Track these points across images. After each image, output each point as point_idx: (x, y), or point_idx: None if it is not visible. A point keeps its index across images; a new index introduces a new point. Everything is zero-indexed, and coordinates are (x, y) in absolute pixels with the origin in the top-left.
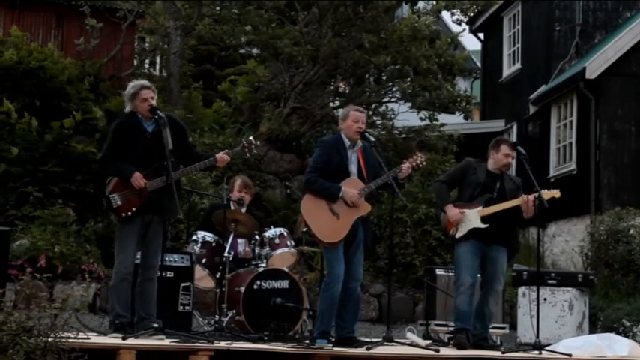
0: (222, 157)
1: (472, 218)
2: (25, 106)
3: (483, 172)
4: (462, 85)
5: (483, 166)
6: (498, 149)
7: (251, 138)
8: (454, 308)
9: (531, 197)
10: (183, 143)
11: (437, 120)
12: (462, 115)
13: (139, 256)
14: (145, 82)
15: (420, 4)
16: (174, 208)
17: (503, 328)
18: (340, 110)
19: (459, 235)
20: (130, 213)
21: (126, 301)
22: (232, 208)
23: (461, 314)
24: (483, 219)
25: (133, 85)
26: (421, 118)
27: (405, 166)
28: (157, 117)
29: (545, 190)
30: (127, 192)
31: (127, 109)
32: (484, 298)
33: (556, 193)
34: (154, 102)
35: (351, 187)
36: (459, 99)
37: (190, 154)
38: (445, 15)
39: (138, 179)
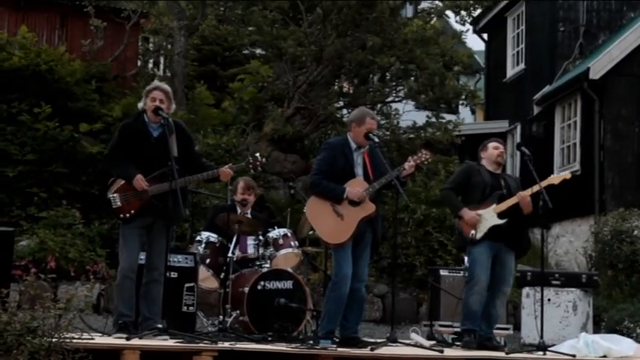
0: (225, 170)
1: (488, 217)
2: (31, 107)
3: (486, 172)
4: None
5: (483, 168)
6: (486, 147)
7: (257, 154)
8: (464, 307)
9: (529, 192)
10: (189, 152)
11: (443, 119)
12: (467, 107)
13: (143, 257)
14: (165, 86)
15: (424, 4)
16: (177, 212)
17: (507, 328)
18: (352, 112)
19: (479, 236)
20: (128, 215)
21: (129, 300)
22: (238, 210)
23: (471, 314)
24: (500, 215)
25: (152, 83)
26: (428, 116)
27: (409, 165)
28: (162, 120)
29: (554, 175)
30: (129, 194)
31: (140, 104)
32: (491, 300)
33: (566, 175)
34: (161, 105)
35: (355, 188)
36: (463, 94)
37: (195, 164)
38: (448, 13)
39: (140, 182)
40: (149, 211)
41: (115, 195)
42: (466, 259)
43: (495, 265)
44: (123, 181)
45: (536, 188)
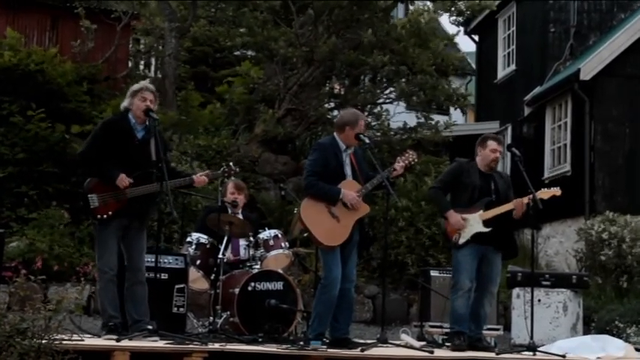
0: (199, 178)
1: (474, 223)
2: (22, 109)
3: (476, 173)
4: (457, 85)
5: (475, 167)
6: (485, 145)
7: (231, 164)
8: (451, 311)
9: (526, 199)
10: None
11: (432, 120)
12: (457, 110)
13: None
14: (152, 86)
15: (417, 4)
16: (151, 212)
17: (498, 329)
18: (342, 114)
19: (462, 241)
20: (105, 215)
21: (114, 302)
22: (229, 211)
23: (458, 317)
24: (485, 222)
25: (139, 83)
26: (417, 117)
27: (399, 166)
28: (150, 120)
29: (545, 189)
30: (106, 195)
31: (125, 104)
32: (479, 300)
33: (556, 191)
34: (151, 105)
35: (349, 189)
36: (454, 97)
37: (168, 170)
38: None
39: (123, 179)
40: (125, 212)
41: (92, 195)
42: None
43: (482, 265)
44: (101, 181)
45: (531, 196)
